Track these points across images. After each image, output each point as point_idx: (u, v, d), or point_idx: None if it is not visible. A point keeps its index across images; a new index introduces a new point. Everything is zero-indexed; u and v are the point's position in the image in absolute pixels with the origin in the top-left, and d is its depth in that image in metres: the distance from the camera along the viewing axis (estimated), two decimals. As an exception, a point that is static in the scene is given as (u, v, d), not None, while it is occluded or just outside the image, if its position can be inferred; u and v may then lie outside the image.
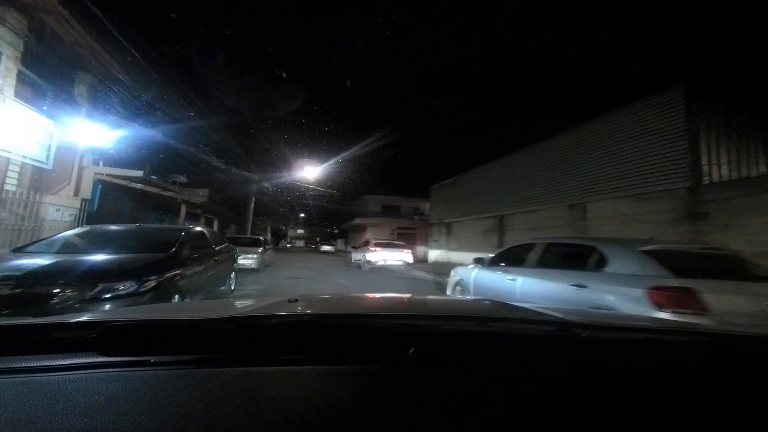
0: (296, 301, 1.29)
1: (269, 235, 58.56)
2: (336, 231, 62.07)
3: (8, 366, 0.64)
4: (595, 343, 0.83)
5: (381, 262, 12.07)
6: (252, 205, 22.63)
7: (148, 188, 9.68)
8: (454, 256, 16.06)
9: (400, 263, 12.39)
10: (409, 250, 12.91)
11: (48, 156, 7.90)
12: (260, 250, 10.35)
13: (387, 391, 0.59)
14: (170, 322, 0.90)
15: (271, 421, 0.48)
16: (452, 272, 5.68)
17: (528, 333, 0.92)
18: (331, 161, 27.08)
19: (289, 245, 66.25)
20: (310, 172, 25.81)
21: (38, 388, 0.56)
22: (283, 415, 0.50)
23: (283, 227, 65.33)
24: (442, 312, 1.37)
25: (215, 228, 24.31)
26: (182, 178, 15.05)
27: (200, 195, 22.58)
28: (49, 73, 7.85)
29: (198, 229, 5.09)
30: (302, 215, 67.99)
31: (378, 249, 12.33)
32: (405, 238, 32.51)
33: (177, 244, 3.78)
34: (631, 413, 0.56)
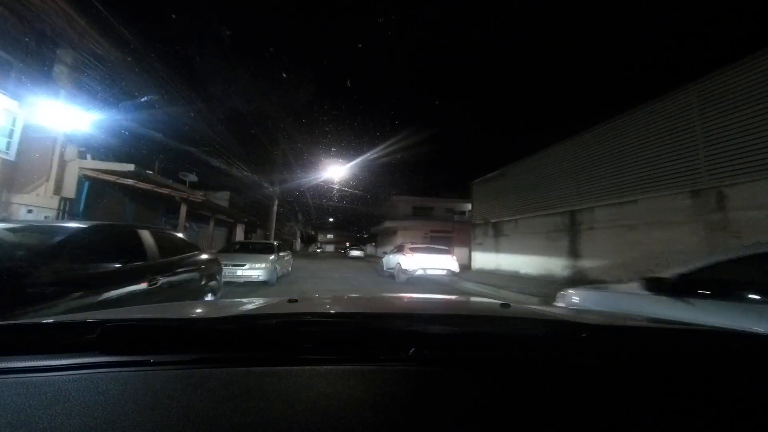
0: (296, 301, 1.31)
1: (298, 240, 58.75)
2: (365, 236, 60.83)
3: (8, 366, 0.64)
4: (596, 342, 0.83)
5: (419, 271, 9.69)
6: (275, 207, 21.22)
7: (141, 185, 8.07)
8: (507, 261, 13.28)
9: (444, 272, 9.93)
10: (453, 256, 10.42)
11: (9, 144, 6.50)
12: (272, 257, 8.41)
13: (387, 391, 0.58)
14: (170, 322, 0.92)
15: (271, 421, 0.48)
16: (587, 293, 2.72)
17: (528, 333, 0.93)
18: (360, 161, 25.24)
19: (319, 250, 66.14)
20: (337, 173, 24.15)
21: (38, 388, 0.56)
22: (283, 415, 0.50)
23: (313, 232, 64.92)
24: (443, 312, 1.34)
25: (239, 235, 23.28)
26: (192, 177, 13.68)
27: (219, 198, 21.57)
28: (13, 45, 6.56)
29: (136, 229, 3.07)
30: (331, 219, 67.62)
31: (415, 254, 9.97)
32: (439, 242, 29.96)
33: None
34: (632, 413, 0.56)
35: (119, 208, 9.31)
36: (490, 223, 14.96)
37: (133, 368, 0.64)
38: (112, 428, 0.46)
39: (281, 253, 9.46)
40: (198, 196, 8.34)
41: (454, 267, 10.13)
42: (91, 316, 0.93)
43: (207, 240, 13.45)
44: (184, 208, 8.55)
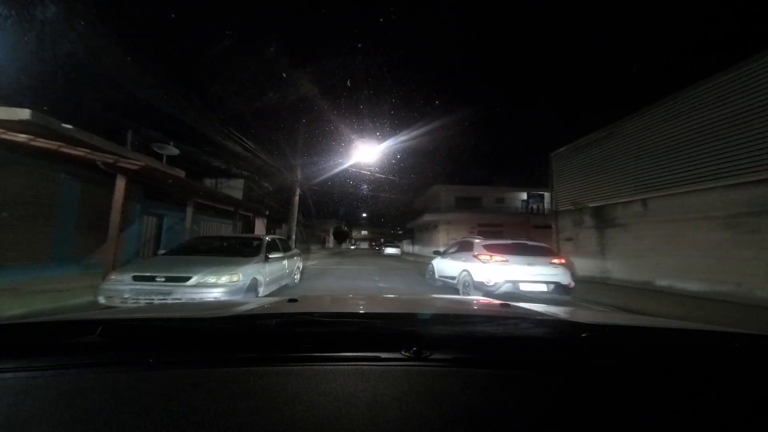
0: (296, 301, 1.33)
1: (331, 236, 56.36)
2: (399, 231, 56.89)
3: (8, 366, 0.64)
4: (596, 342, 0.83)
5: (506, 286, 5.51)
6: (296, 198, 17.96)
7: (40, 143, 4.78)
8: (625, 266, 8.62)
9: (549, 288, 5.68)
10: (561, 260, 6.10)
11: None
12: (251, 263, 4.77)
13: (387, 391, 0.58)
14: (170, 322, 0.92)
15: (271, 421, 0.48)
16: None
17: (529, 333, 0.92)
18: (396, 145, 21.20)
19: (352, 247, 63.48)
20: (371, 159, 20.39)
21: (38, 388, 0.56)
22: (283, 414, 0.50)
23: (346, 228, 62.27)
24: (443, 312, 1.28)
25: (258, 230, 20.48)
26: (171, 149, 10.46)
27: (232, 186, 18.74)
28: None
29: None
30: (364, 215, 64.75)
31: (498, 258, 5.81)
32: (488, 237, 25.41)
33: None
34: (632, 412, 0.56)
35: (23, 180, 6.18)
36: (587, 208, 10.28)
37: (133, 368, 0.65)
38: (113, 428, 0.46)
39: (276, 254, 5.79)
40: (135, 161, 4.86)
41: (566, 279, 5.83)
42: (91, 316, 0.93)
43: (145, 239, 9.98)
44: (121, 184, 5.15)
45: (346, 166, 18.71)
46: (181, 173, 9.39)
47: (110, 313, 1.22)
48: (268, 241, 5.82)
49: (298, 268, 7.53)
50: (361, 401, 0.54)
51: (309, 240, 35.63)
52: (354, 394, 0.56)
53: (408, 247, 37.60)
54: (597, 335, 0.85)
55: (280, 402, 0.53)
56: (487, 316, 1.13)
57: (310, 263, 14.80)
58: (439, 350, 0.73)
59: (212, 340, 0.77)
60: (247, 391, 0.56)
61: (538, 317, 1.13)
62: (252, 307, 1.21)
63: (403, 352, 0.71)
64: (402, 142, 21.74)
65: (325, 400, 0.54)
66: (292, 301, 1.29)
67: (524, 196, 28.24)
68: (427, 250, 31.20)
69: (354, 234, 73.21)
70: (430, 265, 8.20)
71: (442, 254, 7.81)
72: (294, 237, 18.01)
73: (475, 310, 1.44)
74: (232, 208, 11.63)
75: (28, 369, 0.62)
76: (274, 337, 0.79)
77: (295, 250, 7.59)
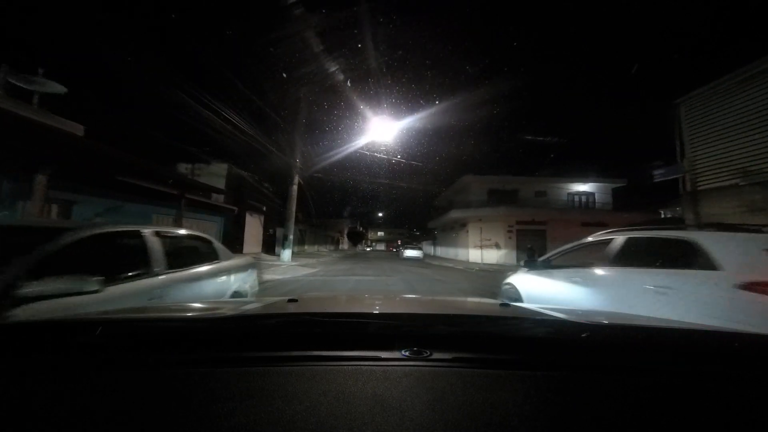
0: (296, 300, 1.31)
1: (345, 237, 52.64)
2: (416, 233, 52.67)
3: (8, 366, 0.63)
4: (596, 342, 0.83)
5: None
6: (295, 188, 14.27)
7: None
8: None
9: None
10: None
11: None
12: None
13: (387, 390, 0.58)
14: (170, 323, 0.91)
15: (271, 421, 0.48)
16: None
17: (529, 333, 0.93)
18: (416, 125, 17.21)
19: (368, 248, 60.08)
20: (386, 145, 16.49)
21: (37, 389, 0.56)
22: (283, 414, 0.50)
23: (361, 228, 58.59)
24: (443, 312, 1.29)
25: (251, 229, 16.74)
26: (54, 86, 6.74)
27: (212, 172, 15.23)
28: None
29: None
30: (380, 215, 61.04)
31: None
32: (528, 237, 20.72)
33: None
34: (632, 412, 0.56)
35: None
36: None
37: (132, 368, 0.64)
38: (112, 428, 0.46)
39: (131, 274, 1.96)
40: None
41: None
42: (90, 316, 0.92)
43: None
44: None
45: (358, 146, 14.86)
46: (78, 128, 5.81)
47: (110, 313, 1.18)
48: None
49: (251, 287, 3.67)
50: (361, 401, 0.54)
51: (317, 241, 32.01)
52: (354, 394, 0.56)
53: (428, 249, 33.21)
54: (597, 335, 0.87)
55: (280, 402, 0.53)
56: (487, 317, 1.13)
57: (307, 270, 10.99)
58: (439, 350, 0.74)
59: (212, 340, 0.77)
60: (247, 391, 0.56)
61: (538, 317, 1.14)
62: (252, 307, 1.20)
63: (403, 352, 0.72)
64: (424, 119, 17.65)
65: (325, 399, 0.54)
66: (292, 301, 1.30)
67: (572, 187, 23.55)
68: (452, 252, 26.85)
69: (370, 235, 69.65)
70: (510, 286, 4.14)
71: (545, 266, 3.71)
72: (291, 237, 14.35)
73: (475, 310, 1.43)
74: (176, 192, 7.91)
75: (27, 369, 0.63)
76: (274, 337, 0.80)
77: (240, 260, 3.70)
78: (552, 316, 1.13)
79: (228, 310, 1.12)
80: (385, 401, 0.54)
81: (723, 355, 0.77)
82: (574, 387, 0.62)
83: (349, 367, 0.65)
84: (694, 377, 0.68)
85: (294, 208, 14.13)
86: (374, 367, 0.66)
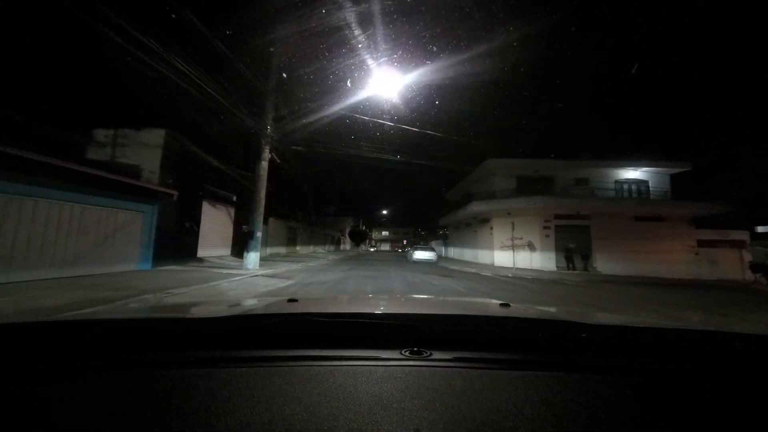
0: (296, 301, 1.30)
1: (347, 237, 48.36)
2: (423, 232, 48.36)
3: (8, 366, 0.63)
4: (596, 342, 0.83)
5: None
6: (264, 164, 10.08)
7: None
8: None
9: None
10: None
11: None
12: None
13: (387, 390, 0.58)
14: (170, 323, 0.91)
15: (270, 421, 0.48)
16: None
17: (529, 333, 0.92)
18: (425, 92, 12.76)
19: (372, 249, 55.97)
20: (392, 110, 12.17)
21: (37, 389, 0.55)
22: (282, 414, 0.50)
23: (364, 227, 54.28)
24: (443, 312, 1.27)
25: (210, 222, 12.33)
26: None
27: (143, 139, 10.79)
28: None
29: None
30: (385, 212, 56.72)
31: None
32: (567, 235, 16.14)
33: None
34: (632, 412, 0.56)
35: None
36: None
37: (132, 368, 0.64)
38: (111, 428, 0.46)
39: None
40: None
41: None
42: (91, 317, 0.94)
43: None
44: None
45: (355, 105, 10.60)
46: None
47: (110, 313, 1.14)
48: None
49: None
50: (361, 401, 0.54)
51: (313, 241, 27.78)
52: (354, 394, 0.56)
53: (438, 250, 28.72)
54: (597, 335, 0.87)
55: (280, 401, 0.53)
56: (487, 317, 1.09)
57: (273, 286, 6.73)
58: (439, 350, 0.74)
59: (212, 340, 0.77)
60: (247, 390, 0.56)
61: (538, 318, 1.13)
62: (251, 307, 1.21)
63: (403, 352, 0.72)
64: (435, 76, 13.25)
65: (324, 399, 0.54)
66: (292, 301, 1.29)
67: (620, 174, 19.10)
68: (469, 254, 22.07)
69: (374, 235, 65.40)
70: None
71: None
72: (259, 235, 10.18)
73: (475, 310, 1.39)
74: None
75: (27, 370, 0.62)
76: (273, 336, 0.79)
77: None
78: (552, 316, 1.20)
79: (228, 310, 1.14)
80: (385, 401, 0.55)
81: (722, 356, 0.78)
82: (574, 387, 0.62)
83: (349, 366, 0.67)
84: (694, 377, 0.69)
85: (263, 194, 9.93)
86: (374, 367, 0.67)
